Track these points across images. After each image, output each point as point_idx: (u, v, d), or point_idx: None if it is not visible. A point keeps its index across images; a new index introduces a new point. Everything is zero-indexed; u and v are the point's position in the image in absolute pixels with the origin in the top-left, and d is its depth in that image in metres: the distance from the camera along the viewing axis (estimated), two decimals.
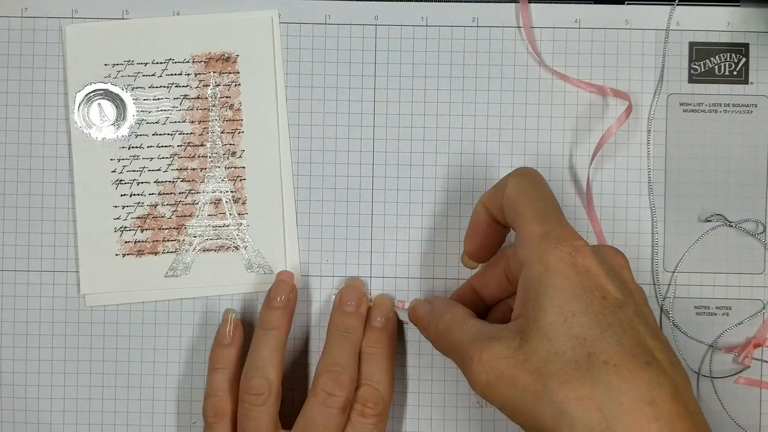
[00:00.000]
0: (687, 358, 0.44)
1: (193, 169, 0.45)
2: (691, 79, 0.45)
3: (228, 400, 0.41)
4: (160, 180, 0.44)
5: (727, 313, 0.44)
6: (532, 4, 0.45)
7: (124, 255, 0.44)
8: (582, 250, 0.33)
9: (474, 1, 0.45)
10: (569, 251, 0.33)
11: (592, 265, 0.33)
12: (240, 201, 0.44)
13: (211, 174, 0.45)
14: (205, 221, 0.44)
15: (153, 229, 0.44)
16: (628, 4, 0.45)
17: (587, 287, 0.33)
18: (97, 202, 0.44)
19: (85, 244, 0.44)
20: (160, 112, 0.44)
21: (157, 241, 0.44)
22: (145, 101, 0.44)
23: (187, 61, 0.45)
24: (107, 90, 0.44)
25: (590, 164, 0.44)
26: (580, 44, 0.45)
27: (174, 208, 0.44)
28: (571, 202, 0.44)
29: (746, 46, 0.45)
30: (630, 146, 0.44)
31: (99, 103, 0.44)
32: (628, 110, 0.43)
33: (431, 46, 0.45)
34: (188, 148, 0.45)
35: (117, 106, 0.44)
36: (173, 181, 0.44)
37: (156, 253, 0.44)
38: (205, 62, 0.44)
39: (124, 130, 0.45)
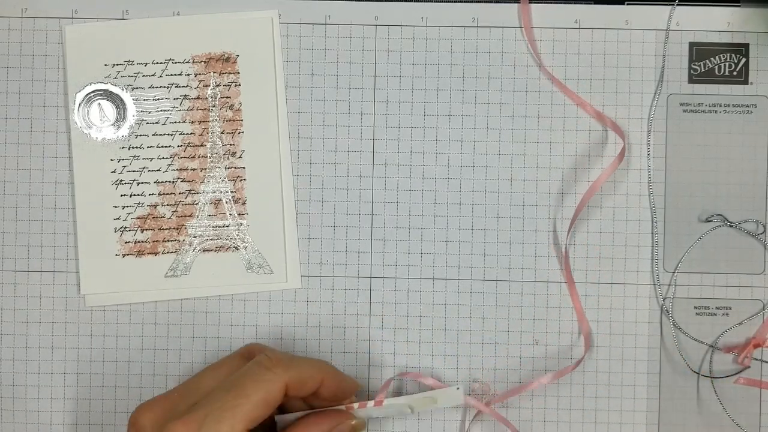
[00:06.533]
0: (687, 358, 0.44)
1: (193, 170, 0.45)
2: (691, 80, 0.45)
3: None
4: (160, 180, 0.44)
5: (727, 314, 0.44)
6: (532, 5, 0.45)
7: (124, 255, 0.44)
8: None
9: (474, 1, 0.45)
10: None
11: None
12: (240, 201, 0.44)
13: (211, 174, 0.45)
14: (205, 221, 0.44)
15: (153, 230, 0.44)
16: (628, 4, 0.45)
17: None
18: (97, 202, 0.44)
19: (85, 244, 0.44)
20: (160, 113, 0.44)
21: (157, 241, 0.44)
22: (145, 101, 0.44)
23: (187, 62, 0.44)
24: (107, 90, 0.44)
25: (568, 230, 0.44)
26: (580, 44, 0.45)
27: (174, 209, 0.44)
28: (572, 202, 0.44)
29: (746, 46, 0.45)
30: (630, 146, 0.44)
31: (99, 104, 0.44)
32: (621, 154, 0.43)
33: (431, 46, 0.45)
34: (188, 148, 0.44)
35: (117, 107, 0.44)
36: (173, 182, 0.44)
37: (156, 254, 0.44)
38: (205, 62, 0.44)
39: (124, 130, 0.45)
